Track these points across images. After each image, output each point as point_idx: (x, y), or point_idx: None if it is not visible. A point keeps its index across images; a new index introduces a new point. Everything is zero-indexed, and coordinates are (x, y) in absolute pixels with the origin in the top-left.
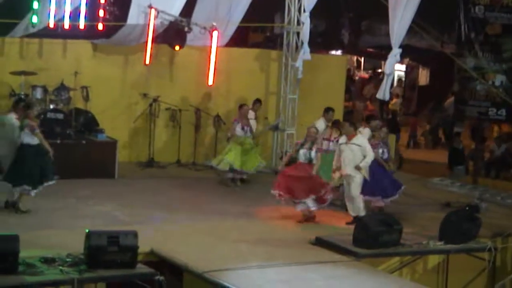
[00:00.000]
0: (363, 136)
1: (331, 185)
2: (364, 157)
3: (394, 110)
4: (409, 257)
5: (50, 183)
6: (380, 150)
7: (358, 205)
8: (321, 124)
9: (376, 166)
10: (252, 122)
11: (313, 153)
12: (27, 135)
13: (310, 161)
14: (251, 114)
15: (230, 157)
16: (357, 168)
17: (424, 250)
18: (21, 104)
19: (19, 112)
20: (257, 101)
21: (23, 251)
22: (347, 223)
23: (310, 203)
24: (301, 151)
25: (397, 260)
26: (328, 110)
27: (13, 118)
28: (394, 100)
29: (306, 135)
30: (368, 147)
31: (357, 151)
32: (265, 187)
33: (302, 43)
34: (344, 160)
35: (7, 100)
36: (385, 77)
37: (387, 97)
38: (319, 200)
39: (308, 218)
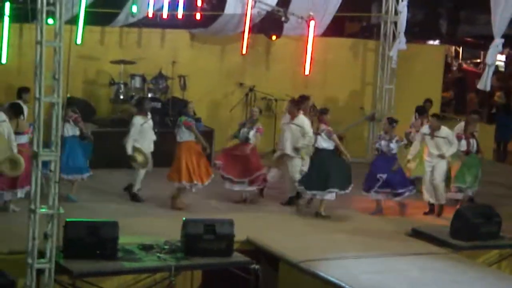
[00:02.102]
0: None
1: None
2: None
3: (499, 103)
4: (509, 250)
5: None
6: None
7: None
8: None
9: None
10: None
11: (251, 133)
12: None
13: (247, 140)
14: None
15: None
16: (441, 156)
17: None
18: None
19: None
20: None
21: (122, 237)
22: (425, 213)
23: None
24: (242, 130)
25: (496, 253)
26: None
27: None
28: (498, 93)
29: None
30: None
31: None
32: (361, 178)
33: (399, 32)
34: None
35: (107, 88)
36: (487, 68)
37: (488, 88)
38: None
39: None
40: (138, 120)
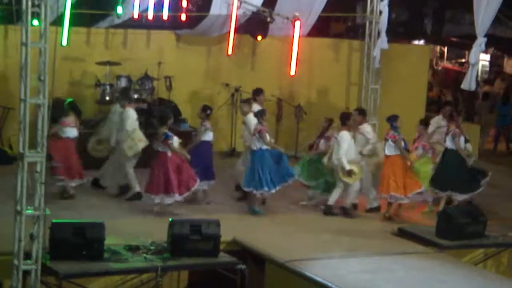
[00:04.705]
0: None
1: None
2: None
3: None
4: (494, 249)
5: None
6: None
7: None
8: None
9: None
10: None
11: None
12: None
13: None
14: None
15: None
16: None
17: (510, 242)
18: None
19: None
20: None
21: (108, 238)
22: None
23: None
24: None
25: (481, 252)
26: None
27: None
28: None
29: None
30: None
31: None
32: None
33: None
34: None
35: (93, 89)
36: (470, 67)
37: (473, 87)
38: None
39: None
40: (346, 135)
